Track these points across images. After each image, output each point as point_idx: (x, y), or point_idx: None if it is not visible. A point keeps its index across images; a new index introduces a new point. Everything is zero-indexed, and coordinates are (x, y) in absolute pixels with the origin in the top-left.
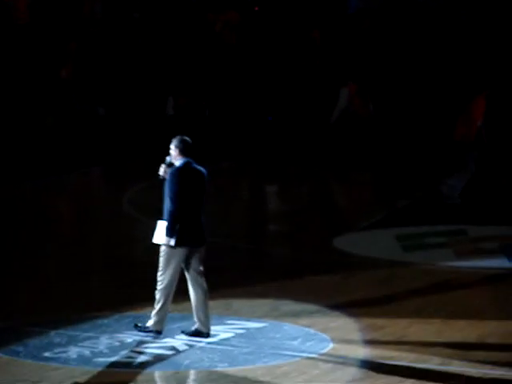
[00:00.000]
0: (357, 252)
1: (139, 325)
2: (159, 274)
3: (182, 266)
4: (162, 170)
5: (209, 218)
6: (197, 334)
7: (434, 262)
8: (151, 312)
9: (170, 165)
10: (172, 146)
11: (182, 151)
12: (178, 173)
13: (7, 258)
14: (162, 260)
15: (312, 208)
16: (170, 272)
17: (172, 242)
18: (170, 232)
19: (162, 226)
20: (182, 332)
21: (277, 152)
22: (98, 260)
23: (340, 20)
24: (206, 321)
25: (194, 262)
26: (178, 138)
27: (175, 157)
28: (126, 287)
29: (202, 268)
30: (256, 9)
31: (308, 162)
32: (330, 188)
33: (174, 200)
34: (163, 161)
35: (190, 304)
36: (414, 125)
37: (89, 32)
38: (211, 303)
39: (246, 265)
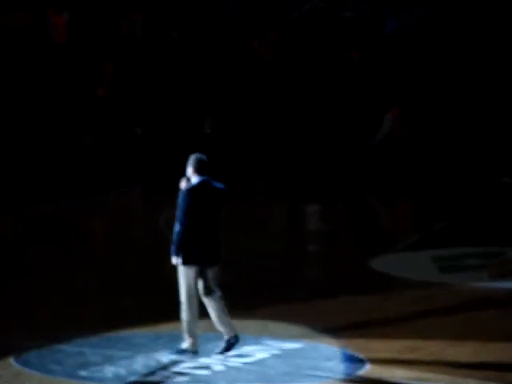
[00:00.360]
0: (393, 273)
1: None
2: (179, 293)
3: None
4: (183, 185)
5: (246, 237)
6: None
7: (470, 283)
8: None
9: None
10: (188, 164)
11: (198, 170)
12: (188, 192)
13: (42, 276)
14: (179, 279)
15: (350, 229)
16: (184, 291)
17: (179, 261)
18: (175, 251)
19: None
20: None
21: (317, 172)
22: (134, 278)
23: (377, 41)
24: (196, 338)
25: (206, 280)
26: (194, 156)
27: (191, 175)
28: (162, 306)
29: (213, 286)
30: (295, 28)
31: (348, 183)
32: (368, 209)
33: (183, 219)
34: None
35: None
36: (453, 148)
37: (127, 51)
38: (247, 323)
39: (282, 284)
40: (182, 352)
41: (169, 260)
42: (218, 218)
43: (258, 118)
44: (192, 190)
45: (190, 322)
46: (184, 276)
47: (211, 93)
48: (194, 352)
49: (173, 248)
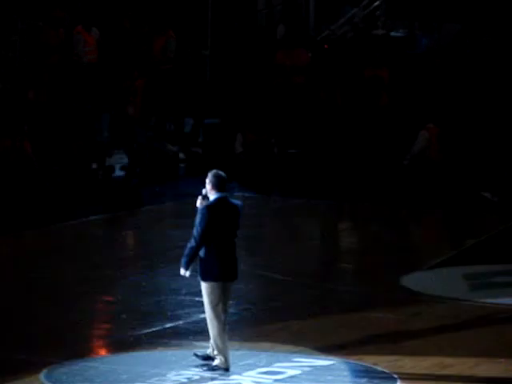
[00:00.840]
0: (424, 291)
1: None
2: (205, 311)
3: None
4: (198, 202)
5: (278, 255)
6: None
7: (501, 301)
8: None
9: (206, 197)
10: (206, 181)
11: (216, 186)
12: (206, 210)
13: (73, 293)
14: (203, 298)
15: (381, 246)
16: (209, 308)
17: (187, 274)
18: (185, 264)
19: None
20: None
21: (347, 190)
22: (163, 293)
23: (409, 59)
24: (227, 355)
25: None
26: (213, 172)
27: (209, 191)
28: (195, 323)
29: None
30: (326, 47)
31: (378, 200)
32: (399, 227)
33: (198, 236)
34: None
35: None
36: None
37: (159, 69)
38: (278, 340)
39: (312, 302)
40: (214, 369)
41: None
42: (234, 235)
43: (290, 134)
44: (208, 207)
45: (219, 339)
46: (207, 293)
47: (242, 111)
48: (225, 369)
49: (183, 260)
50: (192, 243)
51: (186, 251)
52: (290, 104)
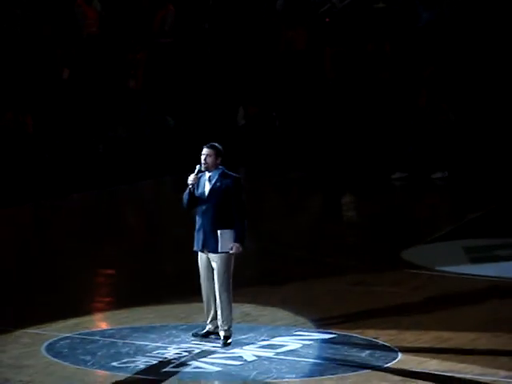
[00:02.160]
0: (424, 264)
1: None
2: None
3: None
4: (192, 179)
5: (278, 229)
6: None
7: (502, 275)
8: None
9: (200, 172)
10: (212, 153)
11: (222, 159)
12: (241, 180)
13: (74, 268)
14: (222, 267)
15: (381, 220)
16: (223, 280)
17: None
18: (245, 238)
19: (226, 234)
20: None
21: (347, 163)
22: (167, 269)
23: (410, 33)
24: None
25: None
26: (216, 144)
27: (216, 165)
28: (195, 297)
29: None
30: (327, 20)
31: (380, 174)
32: (399, 200)
33: (245, 206)
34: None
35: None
36: (492, 135)
37: (159, 42)
38: (279, 314)
39: (313, 276)
40: (227, 343)
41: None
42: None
43: (292, 108)
44: (240, 178)
45: (231, 310)
46: (228, 265)
47: (244, 83)
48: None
49: (244, 234)
50: (244, 213)
51: (243, 223)
52: (292, 74)
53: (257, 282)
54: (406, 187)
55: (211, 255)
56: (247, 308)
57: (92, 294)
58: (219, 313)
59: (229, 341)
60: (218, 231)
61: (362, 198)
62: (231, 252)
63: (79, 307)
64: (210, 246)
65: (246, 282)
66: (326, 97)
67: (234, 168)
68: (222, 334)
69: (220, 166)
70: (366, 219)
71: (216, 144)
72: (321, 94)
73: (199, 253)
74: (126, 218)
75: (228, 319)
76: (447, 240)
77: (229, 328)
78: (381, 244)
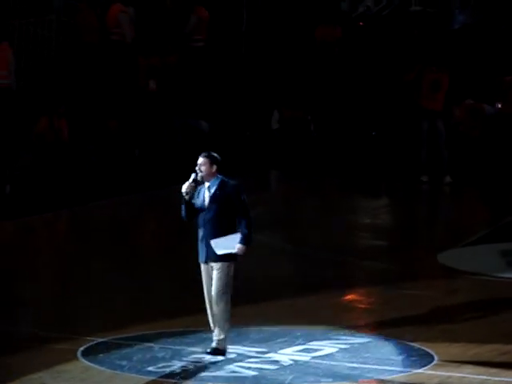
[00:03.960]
0: (460, 267)
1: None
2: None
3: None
4: (186, 187)
5: (312, 232)
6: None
7: None
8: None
9: (197, 182)
10: (206, 162)
11: (219, 168)
12: (240, 186)
13: (108, 273)
14: (220, 275)
15: (417, 223)
16: (222, 289)
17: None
18: (250, 240)
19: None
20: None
21: (382, 167)
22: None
23: (445, 36)
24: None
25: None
26: (211, 153)
27: (212, 173)
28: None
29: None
30: (361, 24)
31: (414, 177)
32: (435, 203)
33: (248, 209)
34: (268, 174)
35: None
36: None
37: (191, 46)
38: (316, 317)
39: (349, 279)
40: (216, 352)
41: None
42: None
43: (326, 112)
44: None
45: (229, 320)
46: (228, 274)
47: (279, 87)
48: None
49: (251, 239)
50: (250, 218)
51: (250, 228)
52: (327, 80)
53: (292, 286)
54: (438, 191)
55: (213, 264)
56: (282, 312)
57: (128, 298)
58: (214, 320)
59: (219, 357)
60: (212, 241)
61: (395, 202)
62: (234, 252)
63: (116, 312)
64: (212, 255)
65: (281, 286)
66: (360, 101)
67: (264, 171)
68: (213, 344)
69: (218, 175)
70: (401, 223)
71: (212, 152)
72: (355, 98)
73: (202, 265)
74: (160, 222)
75: (223, 329)
76: (483, 243)
77: (223, 339)
78: (417, 247)
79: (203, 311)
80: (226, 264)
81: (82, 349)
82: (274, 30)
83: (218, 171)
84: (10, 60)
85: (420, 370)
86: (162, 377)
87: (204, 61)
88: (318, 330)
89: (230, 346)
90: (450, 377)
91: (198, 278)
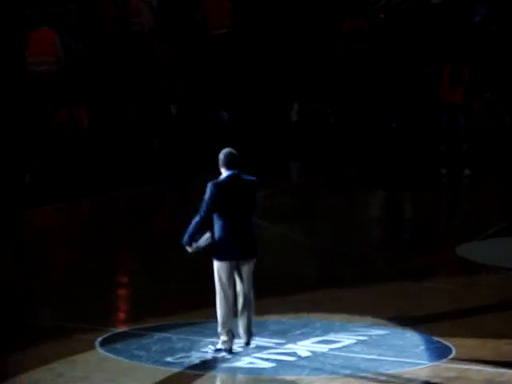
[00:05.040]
0: (479, 260)
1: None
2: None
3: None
4: (198, 246)
5: (332, 224)
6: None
7: None
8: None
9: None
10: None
11: (226, 164)
12: (212, 187)
13: (129, 263)
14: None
15: (437, 215)
16: (216, 286)
17: (190, 250)
18: (188, 239)
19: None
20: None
21: (401, 159)
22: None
23: (465, 28)
24: (230, 335)
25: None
26: (223, 150)
27: (220, 169)
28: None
29: (247, 283)
30: (382, 16)
31: (433, 169)
32: (455, 196)
33: (202, 211)
34: (287, 166)
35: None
36: None
37: (212, 35)
38: (334, 310)
39: (368, 272)
40: (216, 351)
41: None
42: (249, 212)
43: (346, 105)
44: (217, 183)
45: (224, 319)
46: (216, 271)
47: (300, 79)
48: (227, 350)
49: (185, 236)
50: (196, 218)
51: (189, 226)
52: (350, 73)
53: (310, 278)
54: (457, 183)
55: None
56: (302, 304)
57: (148, 289)
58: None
59: (215, 346)
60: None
61: (415, 194)
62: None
63: (134, 302)
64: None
65: (301, 279)
66: (380, 93)
67: (284, 162)
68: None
69: (225, 171)
70: (420, 215)
71: (224, 150)
72: (375, 90)
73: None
74: (180, 213)
75: (221, 327)
76: (503, 236)
77: (223, 338)
78: (436, 240)
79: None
80: (213, 261)
81: (99, 339)
82: (295, 22)
83: (228, 167)
84: (56, 45)
85: (438, 363)
86: (180, 368)
87: (225, 50)
88: (336, 321)
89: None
90: (467, 369)
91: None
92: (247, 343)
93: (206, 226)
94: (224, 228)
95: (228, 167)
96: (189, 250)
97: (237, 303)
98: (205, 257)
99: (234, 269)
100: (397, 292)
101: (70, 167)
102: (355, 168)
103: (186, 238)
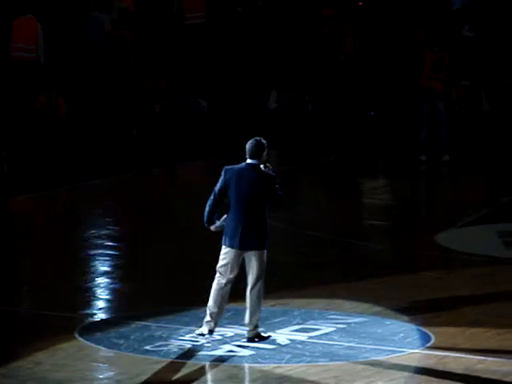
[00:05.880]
0: (458, 248)
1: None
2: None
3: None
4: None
5: (311, 212)
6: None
7: None
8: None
9: (265, 164)
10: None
11: (247, 152)
12: (223, 171)
13: (107, 251)
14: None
15: (415, 203)
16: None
17: (212, 228)
18: (204, 219)
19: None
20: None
21: (380, 147)
22: (200, 254)
23: (444, 16)
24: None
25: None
26: (250, 140)
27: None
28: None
29: (253, 274)
30: (360, 4)
31: (411, 157)
32: (434, 183)
33: (213, 192)
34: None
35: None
36: None
37: (188, 24)
38: (312, 298)
39: (347, 260)
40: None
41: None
42: (258, 204)
43: (325, 91)
44: (228, 169)
45: (211, 300)
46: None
47: (277, 67)
48: (208, 331)
49: (204, 217)
50: (210, 197)
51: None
52: (325, 60)
53: (290, 266)
54: (435, 171)
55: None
56: (280, 292)
57: (125, 277)
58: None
59: (199, 331)
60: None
61: (393, 181)
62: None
63: (113, 290)
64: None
65: (279, 266)
66: (357, 80)
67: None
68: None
69: (247, 159)
70: (399, 203)
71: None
72: (353, 78)
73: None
74: (160, 201)
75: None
76: (481, 224)
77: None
78: (415, 228)
79: (200, 290)
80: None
81: (79, 327)
82: (273, 10)
83: (250, 157)
84: (37, 33)
85: (417, 350)
86: (159, 356)
87: (202, 39)
88: (315, 309)
89: (227, 326)
90: (446, 357)
91: (197, 256)
92: (247, 337)
93: (219, 207)
94: (232, 215)
95: (249, 157)
96: (212, 229)
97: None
98: (183, 245)
99: (238, 258)
100: (376, 280)
101: (48, 155)
102: (334, 155)
103: (204, 218)
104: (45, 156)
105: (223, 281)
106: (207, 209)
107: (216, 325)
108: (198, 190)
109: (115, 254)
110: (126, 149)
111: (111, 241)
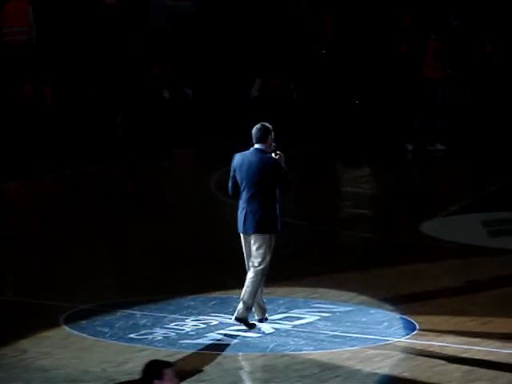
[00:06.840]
0: (442, 237)
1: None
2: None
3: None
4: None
5: (295, 201)
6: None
7: None
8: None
9: (274, 151)
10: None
11: (252, 137)
12: (234, 156)
13: (92, 239)
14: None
15: (399, 192)
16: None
17: None
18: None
19: None
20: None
21: (365, 135)
22: (186, 242)
23: (431, 5)
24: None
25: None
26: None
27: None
28: (213, 269)
29: (253, 257)
30: None
31: (397, 146)
32: (418, 172)
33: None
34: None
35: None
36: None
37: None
38: (297, 287)
39: (331, 248)
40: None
41: (221, 224)
42: (261, 188)
43: (309, 81)
44: (235, 155)
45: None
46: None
47: (262, 55)
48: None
49: None
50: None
51: None
52: (309, 49)
53: (273, 255)
54: (421, 160)
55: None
56: (266, 281)
57: (110, 265)
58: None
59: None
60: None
61: (378, 171)
62: None
63: (97, 279)
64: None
65: None
66: (341, 69)
67: (246, 139)
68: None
69: (254, 144)
70: (384, 192)
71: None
72: (338, 66)
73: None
74: (145, 191)
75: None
76: (465, 213)
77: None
78: (399, 216)
79: (185, 278)
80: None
81: (64, 316)
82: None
83: (256, 142)
84: (29, 15)
85: (402, 339)
86: (144, 344)
87: (188, 28)
88: (299, 298)
89: (212, 314)
90: (431, 346)
91: (184, 244)
92: (235, 317)
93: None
94: (240, 200)
95: (255, 142)
96: None
97: None
98: (169, 232)
99: (247, 242)
100: (361, 269)
101: (33, 143)
102: (318, 144)
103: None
104: (30, 144)
105: (247, 268)
106: (230, 192)
107: (262, 312)
108: (184, 177)
109: (100, 242)
110: (111, 136)
111: (96, 228)
